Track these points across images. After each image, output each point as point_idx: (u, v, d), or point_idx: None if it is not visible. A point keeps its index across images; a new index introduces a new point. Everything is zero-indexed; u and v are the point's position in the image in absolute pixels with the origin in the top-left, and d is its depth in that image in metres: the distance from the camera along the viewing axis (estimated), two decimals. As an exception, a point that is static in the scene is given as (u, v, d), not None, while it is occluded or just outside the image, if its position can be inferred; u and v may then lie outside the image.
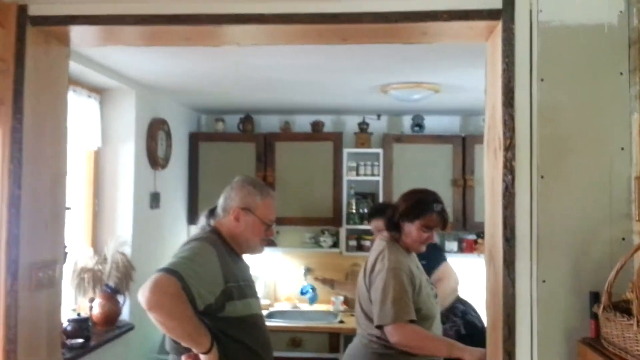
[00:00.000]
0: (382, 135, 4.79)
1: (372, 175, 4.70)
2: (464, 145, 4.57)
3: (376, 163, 4.70)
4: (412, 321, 2.57)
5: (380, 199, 4.64)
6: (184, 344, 2.13)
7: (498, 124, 2.05)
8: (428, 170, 4.57)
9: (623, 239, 1.92)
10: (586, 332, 1.86)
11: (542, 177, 1.97)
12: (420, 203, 2.77)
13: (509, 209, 1.98)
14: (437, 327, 2.80)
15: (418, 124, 4.75)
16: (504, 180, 1.99)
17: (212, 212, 2.45)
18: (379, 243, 2.84)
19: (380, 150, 4.69)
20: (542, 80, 1.99)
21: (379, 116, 4.93)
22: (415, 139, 4.70)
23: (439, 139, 4.63)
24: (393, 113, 4.92)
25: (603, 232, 1.93)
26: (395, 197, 4.45)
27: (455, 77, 3.48)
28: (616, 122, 1.95)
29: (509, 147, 1.98)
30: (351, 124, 4.95)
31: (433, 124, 4.86)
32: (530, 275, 1.95)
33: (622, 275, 1.67)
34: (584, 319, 1.88)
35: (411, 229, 2.74)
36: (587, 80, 1.98)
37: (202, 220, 2.47)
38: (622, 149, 1.94)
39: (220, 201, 2.43)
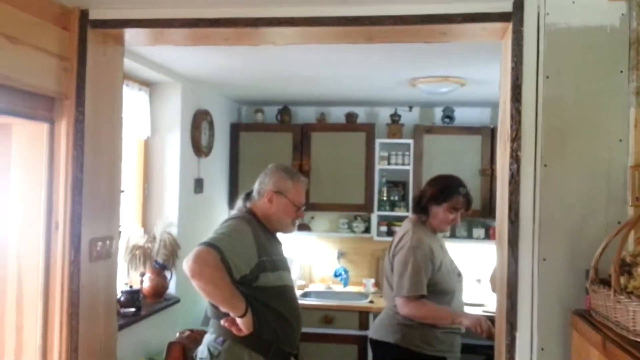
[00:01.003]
0: (413, 126, 4.97)
1: (403, 164, 4.88)
2: (492, 137, 4.70)
3: (407, 153, 4.88)
4: (422, 296, 2.88)
5: (411, 188, 4.83)
6: (222, 309, 2.40)
7: (507, 117, 2.25)
8: (457, 160, 4.72)
9: (619, 222, 2.09)
10: (582, 306, 2.06)
11: (545, 165, 2.16)
12: (447, 187, 3.06)
13: (514, 195, 2.19)
14: (457, 301, 3.06)
15: (448, 116, 4.91)
16: (510, 169, 2.19)
17: (248, 196, 2.71)
18: (406, 224, 3.12)
19: (411, 141, 4.86)
20: (547, 77, 2.18)
21: (410, 108, 5.11)
22: (445, 130, 4.85)
23: (468, 130, 4.78)
24: (424, 105, 5.10)
25: (600, 216, 2.11)
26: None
27: (481, 71, 3.64)
28: (615, 115, 2.13)
29: (515, 138, 2.19)
30: (384, 115, 5.15)
31: (464, 115, 5.01)
32: (532, 254, 2.15)
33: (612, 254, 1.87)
34: (580, 294, 2.07)
35: (438, 211, 3.02)
36: (590, 78, 2.16)
37: (239, 202, 2.74)
38: (620, 140, 2.12)
39: (256, 186, 2.69)
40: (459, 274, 3.15)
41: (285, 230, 2.69)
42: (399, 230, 3.17)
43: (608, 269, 1.90)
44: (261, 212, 2.63)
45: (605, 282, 1.83)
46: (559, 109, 2.17)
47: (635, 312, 1.59)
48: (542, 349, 2.12)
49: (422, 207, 3.08)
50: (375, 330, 3.11)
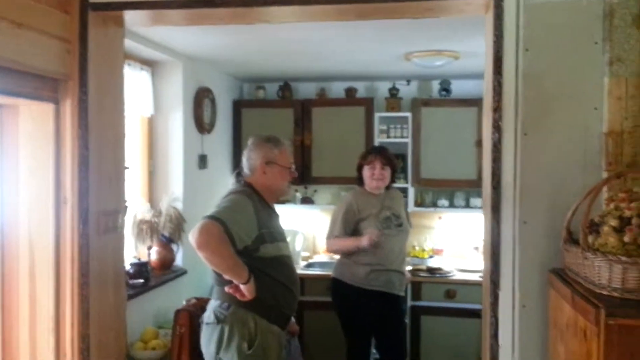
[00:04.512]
0: (411, 99, 5.05)
1: (402, 137, 4.98)
2: (489, 108, 4.77)
3: (405, 126, 4.97)
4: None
5: (409, 160, 4.94)
6: (226, 277, 2.55)
7: (489, 89, 2.35)
8: (454, 131, 4.82)
9: (594, 186, 2.21)
10: (560, 266, 2.17)
11: (525, 134, 2.27)
12: (362, 154, 3.88)
13: (496, 163, 2.30)
14: (390, 245, 3.68)
15: (445, 89, 4.99)
16: (492, 138, 2.30)
17: (239, 174, 2.84)
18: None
19: (409, 114, 4.96)
20: (527, 50, 2.27)
21: (408, 82, 5.19)
22: (442, 103, 4.94)
23: (465, 102, 4.85)
24: (422, 78, 5.18)
25: (577, 181, 2.22)
26: (423, 158, 4.83)
27: (474, 44, 3.68)
28: (590, 85, 2.23)
29: (497, 109, 2.29)
30: (382, 89, 5.23)
31: (461, 87, 5.08)
32: (513, 218, 2.27)
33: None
34: (559, 255, 2.18)
35: (364, 173, 3.76)
36: (567, 49, 2.25)
37: (233, 180, 2.86)
38: (595, 108, 2.22)
39: (244, 162, 2.81)
40: (400, 224, 3.77)
41: (285, 194, 2.89)
42: None
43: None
44: (260, 185, 2.76)
45: (578, 242, 1.95)
46: (538, 80, 2.26)
47: (600, 267, 1.72)
48: (524, 306, 2.25)
49: (359, 178, 3.82)
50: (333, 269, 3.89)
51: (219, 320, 2.61)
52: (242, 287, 2.53)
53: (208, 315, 2.68)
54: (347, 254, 3.74)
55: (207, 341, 2.64)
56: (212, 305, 2.70)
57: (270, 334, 2.61)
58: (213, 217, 2.49)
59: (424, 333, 4.54)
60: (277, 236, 2.75)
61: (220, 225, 2.46)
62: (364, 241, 3.57)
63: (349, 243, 3.67)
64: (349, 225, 3.70)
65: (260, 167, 2.75)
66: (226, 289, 2.57)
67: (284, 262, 2.74)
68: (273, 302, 2.65)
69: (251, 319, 2.59)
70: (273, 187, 2.79)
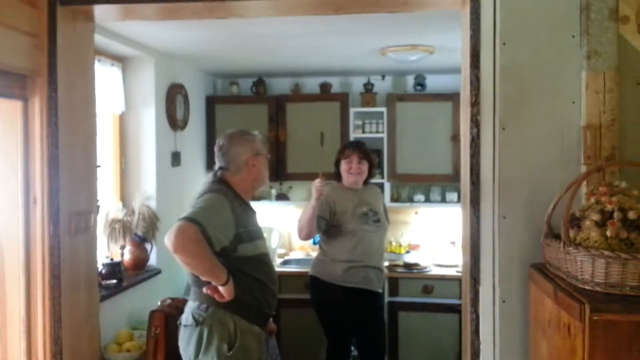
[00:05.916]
0: (386, 94, 5.04)
1: (377, 132, 4.96)
2: (464, 102, 4.80)
3: (380, 121, 4.95)
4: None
5: (385, 155, 4.92)
6: (204, 279, 2.50)
7: (467, 83, 2.34)
8: (429, 126, 4.81)
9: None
10: (540, 260, 2.18)
11: (503, 128, 2.26)
12: (339, 148, 3.87)
13: (475, 157, 2.29)
14: (367, 241, 3.64)
15: (420, 84, 4.99)
16: (470, 133, 2.30)
17: (216, 174, 2.77)
18: None
19: (384, 109, 4.94)
20: (504, 44, 2.27)
21: (383, 77, 5.18)
22: (417, 98, 4.92)
23: (440, 97, 4.84)
24: (397, 73, 5.16)
25: (556, 175, 2.22)
26: (399, 153, 4.82)
27: (449, 39, 3.69)
28: (568, 79, 2.23)
29: (475, 103, 2.28)
30: (357, 84, 5.21)
31: (435, 82, 5.07)
32: (492, 213, 2.27)
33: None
34: (538, 249, 2.19)
35: (342, 168, 3.76)
36: (544, 43, 2.25)
37: (209, 177, 2.79)
38: (573, 102, 2.22)
39: (226, 160, 2.74)
40: (378, 220, 3.72)
41: (265, 182, 2.89)
42: None
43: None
44: (243, 181, 2.71)
45: (559, 237, 1.95)
46: (515, 74, 2.26)
47: (582, 262, 1.71)
48: (504, 301, 2.25)
49: (337, 173, 3.81)
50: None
51: (197, 322, 2.56)
52: (220, 288, 2.48)
53: (186, 318, 2.62)
54: (324, 251, 3.71)
55: (186, 344, 2.58)
56: (190, 306, 2.64)
57: (250, 335, 2.57)
58: (189, 219, 2.42)
59: (401, 329, 4.53)
60: (255, 234, 2.70)
61: (197, 227, 2.39)
62: (313, 195, 3.48)
63: (306, 209, 3.56)
64: (322, 217, 3.59)
65: (250, 160, 2.71)
66: (204, 290, 2.52)
67: (263, 261, 2.70)
68: (253, 302, 2.61)
69: (230, 319, 2.55)
70: (259, 178, 2.77)
